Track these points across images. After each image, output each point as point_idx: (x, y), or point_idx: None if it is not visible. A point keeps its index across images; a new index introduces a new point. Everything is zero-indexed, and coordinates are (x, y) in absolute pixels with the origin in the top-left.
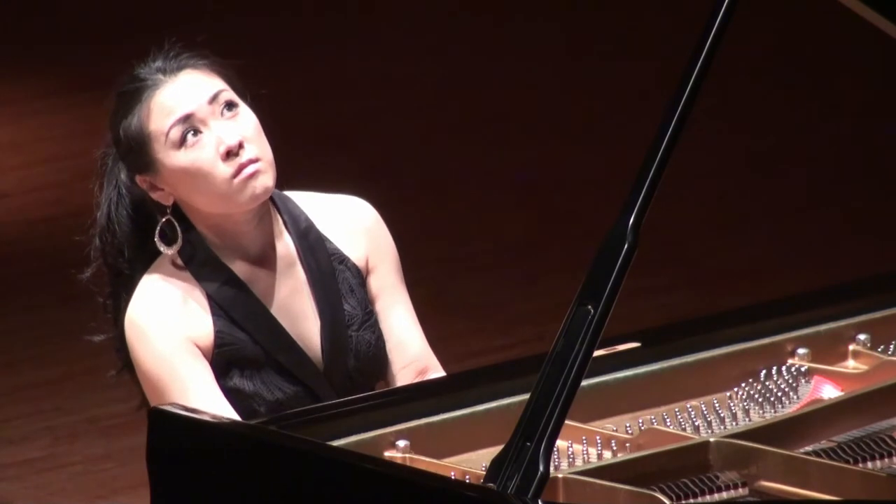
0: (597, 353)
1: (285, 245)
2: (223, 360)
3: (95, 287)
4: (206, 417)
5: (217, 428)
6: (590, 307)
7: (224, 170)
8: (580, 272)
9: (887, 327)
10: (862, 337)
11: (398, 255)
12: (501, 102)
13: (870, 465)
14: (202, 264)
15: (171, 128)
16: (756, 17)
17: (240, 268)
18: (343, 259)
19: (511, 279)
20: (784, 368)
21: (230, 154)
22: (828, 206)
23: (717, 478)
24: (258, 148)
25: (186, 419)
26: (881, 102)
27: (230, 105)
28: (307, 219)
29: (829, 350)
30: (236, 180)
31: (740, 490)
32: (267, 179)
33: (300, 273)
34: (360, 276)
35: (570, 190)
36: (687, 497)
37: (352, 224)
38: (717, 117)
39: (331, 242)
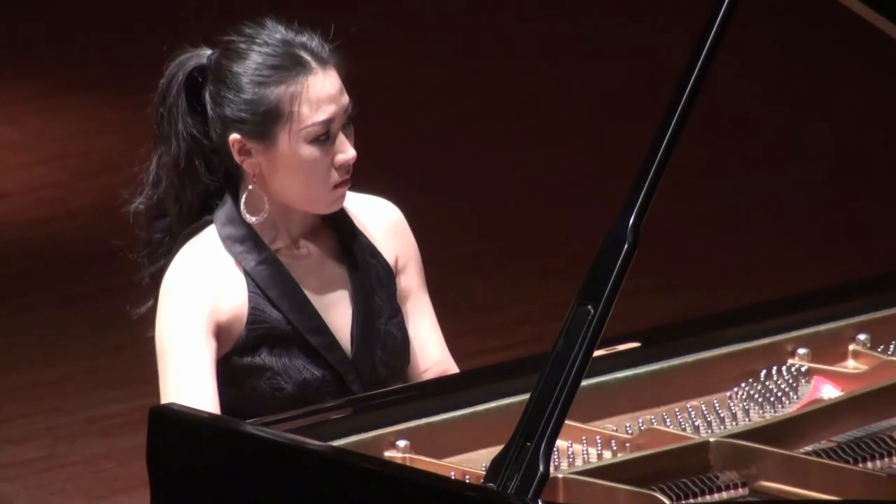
0: (597, 353)
1: (325, 233)
2: (254, 337)
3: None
4: (206, 417)
5: (217, 428)
6: (590, 307)
7: (333, 178)
8: (580, 272)
9: (887, 327)
10: (862, 337)
11: (421, 259)
12: (501, 102)
13: (870, 465)
14: (242, 241)
15: (314, 123)
16: (758, 16)
17: (279, 249)
18: (375, 254)
19: (511, 279)
20: (784, 368)
21: (342, 166)
22: (828, 207)
23: (717, 478)
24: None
25: (187, 419)
26: (882, 102)
27: (350, 121)
28: (346, 211)
29: (829, 350)
30: (335, 190)
31: (740, 490)
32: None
33: (337, 261)
34: (389, 274)
35: (570, 190)
36: (687, 497)
37: (383, 223)
38: (721, 116)
39: (364, 237)
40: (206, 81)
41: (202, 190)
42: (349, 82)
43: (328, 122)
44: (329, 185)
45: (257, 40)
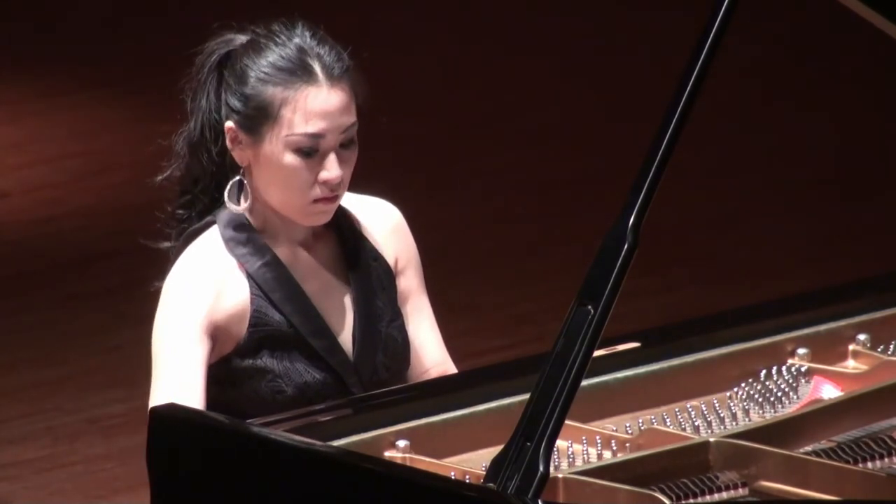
0: (597, 353)
1: (328, 236)
2: (255, 339)
3: (168, 193)
4: (207, 417)
5: (217, 428)
6: (590, 307)
7: (312, 193)
8: (581, 272)
9: (887, 327)
10: (862, 337)
11: (420, 261)
12: (502, 102)
13: (870, 465)
14: (244, 243)
15: (300, 133)
16: (759, 16)
17: (282, 251)
18: (377, 256)
19: (511, 279)
20: (784, 368)
21: (325, 184)
22: (828, 207)
23: (717, 478)
24: (345, 187)
25: (187, 419)
26: (883, 103)
27: (350, 142)
28: (348, 213)
29: (829, 350)
30: (314, 205)
31: (740, 490)
32: (334, 210)
33: (339, 264)
34: (390, 276)
35: (571, 190)
36: (687, 497)
37: (383, 225)
38: (720, 116)
39: (366, 239)
40: (227, 67)
41: (213, 171)
42: (365, 108)
43: (316, 137)
44: (308, 199)
45: (277, 39)
